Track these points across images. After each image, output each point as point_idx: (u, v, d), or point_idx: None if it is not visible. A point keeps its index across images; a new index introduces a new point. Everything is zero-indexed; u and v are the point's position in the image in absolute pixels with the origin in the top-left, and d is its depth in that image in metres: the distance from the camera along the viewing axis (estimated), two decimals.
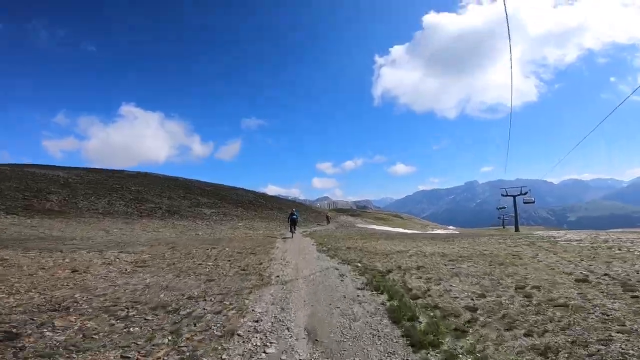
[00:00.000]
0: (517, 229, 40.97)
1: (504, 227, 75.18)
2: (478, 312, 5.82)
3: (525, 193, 42.50)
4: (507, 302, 6.28)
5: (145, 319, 5.29)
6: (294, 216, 21.76)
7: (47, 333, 4.59)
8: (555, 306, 5.90)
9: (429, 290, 7.29)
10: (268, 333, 4.99)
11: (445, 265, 10.21)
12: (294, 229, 21.76)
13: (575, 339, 4.57)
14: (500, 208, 53.39)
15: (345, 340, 4.79)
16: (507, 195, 43.70)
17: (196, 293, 6.83)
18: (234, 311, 5.82)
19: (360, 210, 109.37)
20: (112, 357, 4.06)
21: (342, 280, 8.26)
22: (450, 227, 74.99)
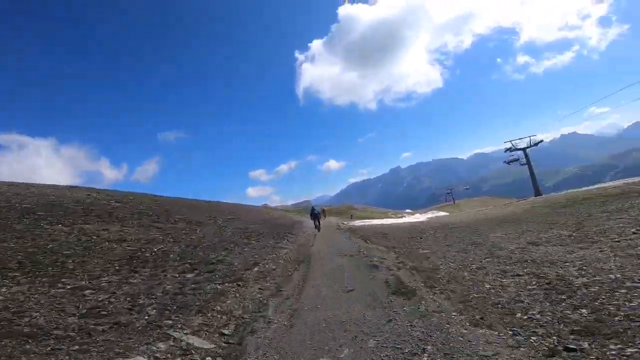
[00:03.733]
0: (538, 193, 36.04)
1: (454, 203, 76.35)
2: None
3: (537, 143, 38.40)
4: None
5: None
6: (315, 211, 22.03)
7: None
8: None
9: None
10: None
11: None
12: (319, 222, 21.69)
13: None
14: (512, 160, 41.14)
15: None
16: (513, 150, 39.06)
17: None
18: None
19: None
20: None
21: None
22: (407, 210, 73.15)
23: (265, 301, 6.36)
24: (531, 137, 38.20)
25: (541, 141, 38.64)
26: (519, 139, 38.94)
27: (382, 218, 41.79)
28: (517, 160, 40.10)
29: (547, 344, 3.46)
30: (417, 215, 39.12)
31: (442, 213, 40.34)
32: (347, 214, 54.90)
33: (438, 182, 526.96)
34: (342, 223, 26.56)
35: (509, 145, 39.75)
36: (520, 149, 38.22)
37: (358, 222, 28.65)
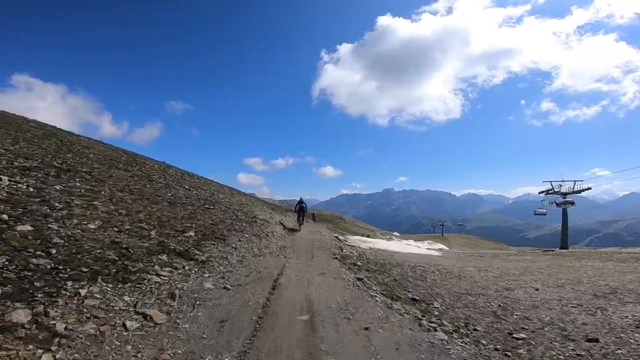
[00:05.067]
0: (564, 246, 32.27)
1: (442, 235, 74.22)
2: None
3: (582, 190, 33.36)
4: None
5: None
6: (303, 204, 19.94)
7: None
8: None
9: None
10: None
11: None
12: (302, 219, 20.01)
13: None
14: (539, 214, 38.40)
15: None
16: (552, 193, 34.22)
17: None
18: None
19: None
20: None
21: None
22: (395, 232, 70.65)
23: None
24: (576, 182, 33.70)
25: (589, 188, 34.11)
26: (561, 181, 34.45)
27: (371, 237, 39.13)
28: (544, 214, 37.27)
29: None
30: (411, 242, 36.31)
31: (440, 245, 37.56)
32: (335, 223, 52.15)
33: (426, 212, 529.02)
34: (337, 238, 19.66)
35: (547, 186, 34.93)
36: (562, 193, 33.98)
37: (359, 241, 21.78)
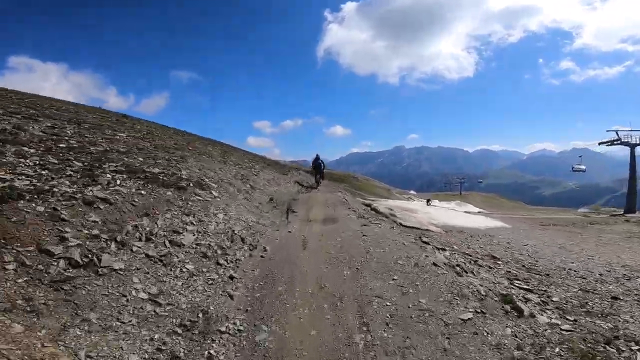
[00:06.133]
0: (631, 209, 27.74)
1: (460, 194, 71.04)
2: None
3: None
4: None
5: None
6: (319, 161, 18.79)
7: None
8: None
9: None
10: None
11: None
12: (322, 177, 19.21)
13: None
14: (578, 170, 35.71)
15: None
16: (613, 143, 29.68)
17: None
18: None
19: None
20: None
21: None
22: (412, 191, 67.75)
23: None
24: None
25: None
26: (630, 130, 29.54)
27: (390, 198, 36.25)
28: (583, 171, 35.54)
29: None
30: (436, 202, 33.15)
31: (470, 207, 34.25)
32: (349, 182, 49.20)
33: (438, 168, 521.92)
34: (367, 207, 15.41)
35: (613, 135, 29.98)
36: (629, 144, 29.65)
37: (401, 211, 15.98)
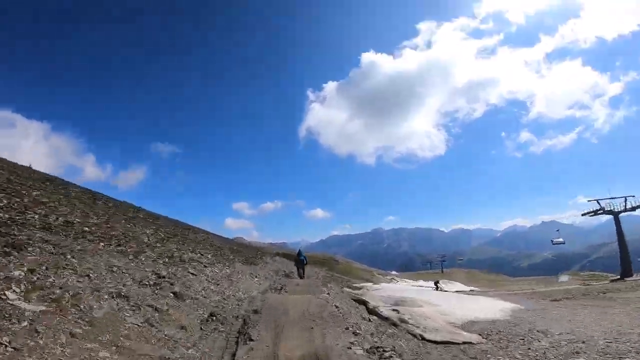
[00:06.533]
0: (627, 272, 27.68)
1: (442, 272, 69.33)
2: None
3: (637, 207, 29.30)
4: None
5: None
6: (302, 257, 19.43)
7: None
8: None
9: None
10: None
11: None
12: (303, 271, 19.24)
13: None
14: (557, 243, 36.80)
15: None
16: (596, 213, 30.46)
17: None
18: None
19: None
20: None
21: None
22: (393, 272, 65.32)
23: None
24: (627, 198, 29.97)
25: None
26: (610, 198, 30.76)
27: (372, 281, 34.10)
28: (562, 243, 37.79)
29: None
30: (422, 282, 31.22)
31: (458, 284, 32.43)
32: (330, 266, 46.74)
33: (416, 248, 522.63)
34: (362, 307, 13.45)
35: (595, 205, 30.97)
36: (613, 212, 30.37)
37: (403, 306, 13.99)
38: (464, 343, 9.11)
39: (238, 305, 10.51)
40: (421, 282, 30.73)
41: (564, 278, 35.66)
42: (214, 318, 8.68)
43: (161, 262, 11.25)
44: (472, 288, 28.27)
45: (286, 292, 13.36)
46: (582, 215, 31.84)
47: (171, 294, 8.84)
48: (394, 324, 10.75)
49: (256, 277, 15.85)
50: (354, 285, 21.03)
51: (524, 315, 12.69)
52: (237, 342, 7.50)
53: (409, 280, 37.63)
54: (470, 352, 8.35)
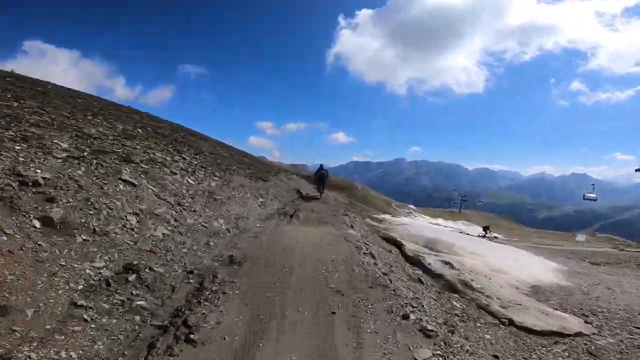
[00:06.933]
0: None
1: (460, 212, 68.89)
2: None
3: None
4: None
5: None
6: (323, 171, 18.05)
7: None
8: None
9: None
10: None
11: None
12: (323, 187, 18.07)
13: None
14: (589, 199, 36.18)
15: None
16: None
17: None
18: None
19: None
20: None
21: None
22: (411, 205, 65.45)
23: None
24: None
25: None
26: None
27: (388, 212, 33.81)
28: (594, 199, 37.28)
29: None
30: (440, 221, 30.69)
31: (476, 228, 31.77)
32: (350, 191, 46.76)
33: (437, 183, 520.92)
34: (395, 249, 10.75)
35: None
36: None
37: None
38: (577, 335, 6.30)
39: (206, 246, 6.99)
40: (440, 221, 30.18)
41: (581, 238, 34.31)
42: (130, 272, 5.16)
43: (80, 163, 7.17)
44: (496, 235, 27.49)
45: (298, 218, 10.60)
46: (637, 170, 29.14)
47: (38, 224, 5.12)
48: (453, 288, 7.76)
49: (261, 197, 12.58)
50: (374, 216, 20.30)
51: (582, 282, 10.33)
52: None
53: (426, 217, 37.23)
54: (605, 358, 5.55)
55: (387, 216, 23.27)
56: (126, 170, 7.80)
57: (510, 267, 10.65)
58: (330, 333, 4.36)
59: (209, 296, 4.99)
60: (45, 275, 4.28)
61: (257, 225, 9.24)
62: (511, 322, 6.52)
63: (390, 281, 6.24)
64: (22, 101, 9.52)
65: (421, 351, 4.36)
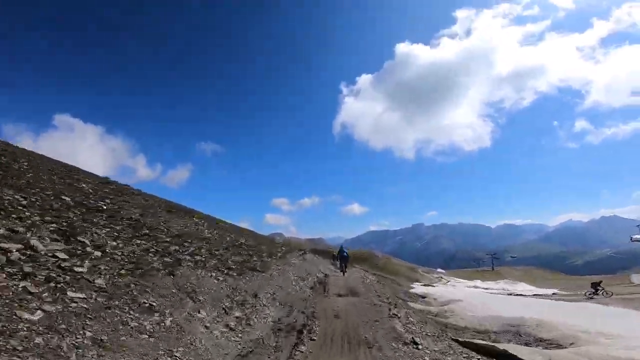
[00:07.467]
0: None
1: (493, 269, 63.76)
2: None
3: None
4: None
5: None
6: (344, 253, 18.88)
7: None
8: None
9: None
10: None
11: None
12: (345, 267, 18.56)
13: None
14: (636, 240, 35.37)
15: None
16: None
17: None
18: None
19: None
20: None
21: None
22: (439, 269, 60.95)
23: None
24: None
25: None
26: None
27: (417, 280, 30.63)
28: None
29: None
30: (478, 282, 27.24)
31: (524, 285, 28.06)
32: (370, 261, 43.75)
33: (459, 245, 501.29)
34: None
35: None
36: None
37: None
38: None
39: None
40: (478, 282, 26.65)
41: (636, 279, 30.32)
42: None
43: None
44: (554, 291, 23.60)
45: (311, 339, 6.33)
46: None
47: None
48: None
49: (239, 307, 8.08)
50: (411, 291, 17.64)
51: None
52: None
53: (460, 280, 33.58)
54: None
55: (426, 289, 20.43)
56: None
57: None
58: None
59: None
60: None
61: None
62: None
63: None
64: None
65: None
